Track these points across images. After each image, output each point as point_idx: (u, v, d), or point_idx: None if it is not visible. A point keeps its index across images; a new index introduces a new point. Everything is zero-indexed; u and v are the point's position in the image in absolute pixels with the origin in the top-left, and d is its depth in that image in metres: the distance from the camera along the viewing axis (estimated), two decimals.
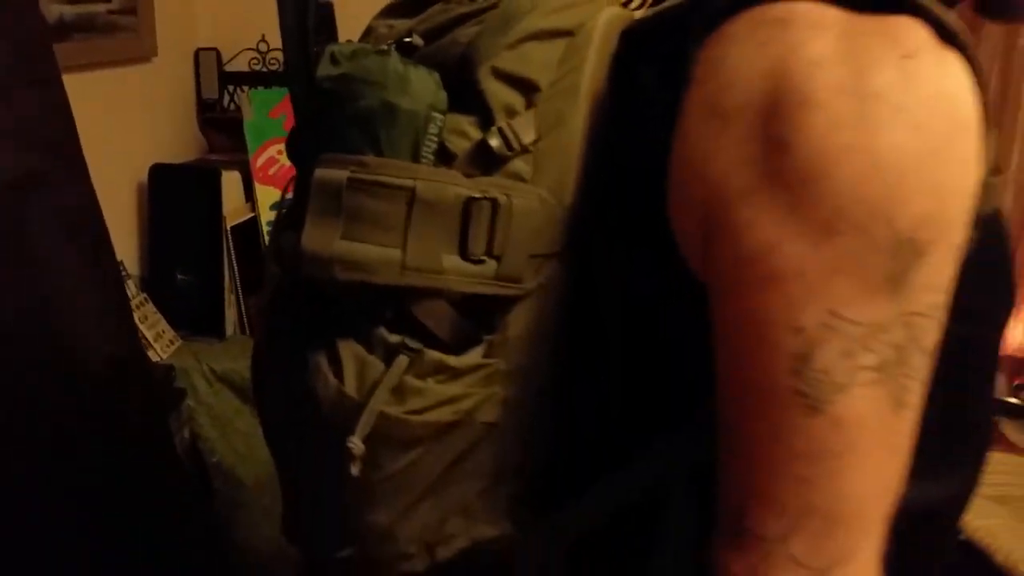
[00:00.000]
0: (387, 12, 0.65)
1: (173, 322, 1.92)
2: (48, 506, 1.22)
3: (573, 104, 0.58)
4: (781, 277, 0.46)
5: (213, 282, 1.92)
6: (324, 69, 0.57)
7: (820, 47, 0.46)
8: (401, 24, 0.63)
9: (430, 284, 0.56)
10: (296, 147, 0.63)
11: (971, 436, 0.63)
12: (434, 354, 0.58)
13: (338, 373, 0.58)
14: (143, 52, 1.98)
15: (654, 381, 0.58)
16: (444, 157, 0.58)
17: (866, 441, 0.47)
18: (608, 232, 0.58)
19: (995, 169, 0.52)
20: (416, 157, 0.56)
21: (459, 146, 0.58)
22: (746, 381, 0.48)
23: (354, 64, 0.56)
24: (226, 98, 2.23)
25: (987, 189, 0.49)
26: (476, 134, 0.58)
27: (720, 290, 0.49)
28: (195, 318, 1.93)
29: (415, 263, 0.56)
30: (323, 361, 0.59)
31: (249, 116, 1.99)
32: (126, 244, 1.99)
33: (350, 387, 0.57)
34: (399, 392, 0.57)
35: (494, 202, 0.56)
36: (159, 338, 1.88)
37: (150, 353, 1.83)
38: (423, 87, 0.56)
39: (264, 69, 2.19)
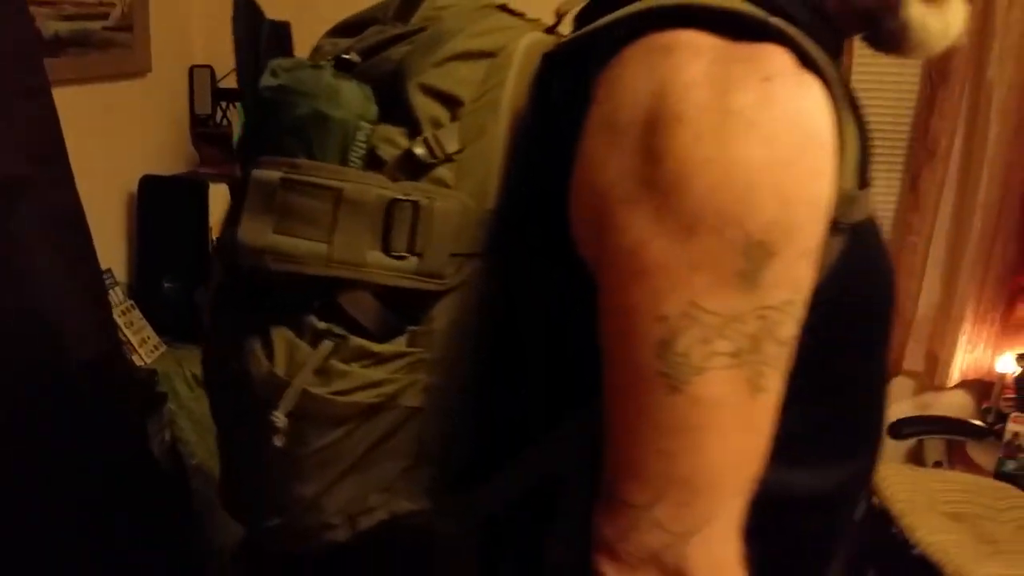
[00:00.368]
0: (333, 32, 0.72)
1: (158, 328, 1.97)
2: (24, 504, 1.27)
3: (494, 118, 0.64)
4: (649, 271, 0.52)
5: (198, 290, 1.97)
6: (265, 80, 0.63)
7: (695, 70, 0.52)
8: (344, 43, 0.69)
9: (354, 276, 0.62)
10: (242, 152, 0.69)
11: (860, 429, 0.68)
12: (358, 340, 0.63)
13: (270, 356, 0.64)
14: (138, 68, 2.06)
15: (561, 370, 0.63)
16: (375, 163, 0.64)
17: (722, 419, 0.52)
18: (527, 235, 0.64)
19: (863, 182, 0.58)
20: (345, 161, 0.62)
21: (389, 153, 0.64)
22: (619, 363, 0.54)
23: (291, 76, 0.62)
24: (219, 114, 2.30)
25: (851, 200, 0.55)
26: (405, 143, 0.64)
27: (602, 284, 0.55)
28: (180, 325, 1.99)
29: (340, 256, 0.61)
30: (257, 345, 0.64)
31: (240, 131, 2.06)
32: (115, 252, 2.05)
33: (280, 368, 0.63)
34: (325, 374, 0.63)
35: (416, 204, 0.62)
36: (144, 343, 1.93)
37: (135, 358, 1.89)
38: (352, 98, 0.62)
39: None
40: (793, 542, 0.65)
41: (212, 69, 2.27)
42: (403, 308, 0.65)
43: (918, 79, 2.13)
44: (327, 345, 0.63)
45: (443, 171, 0.64)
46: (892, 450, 2.07)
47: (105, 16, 1.92)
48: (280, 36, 0.70)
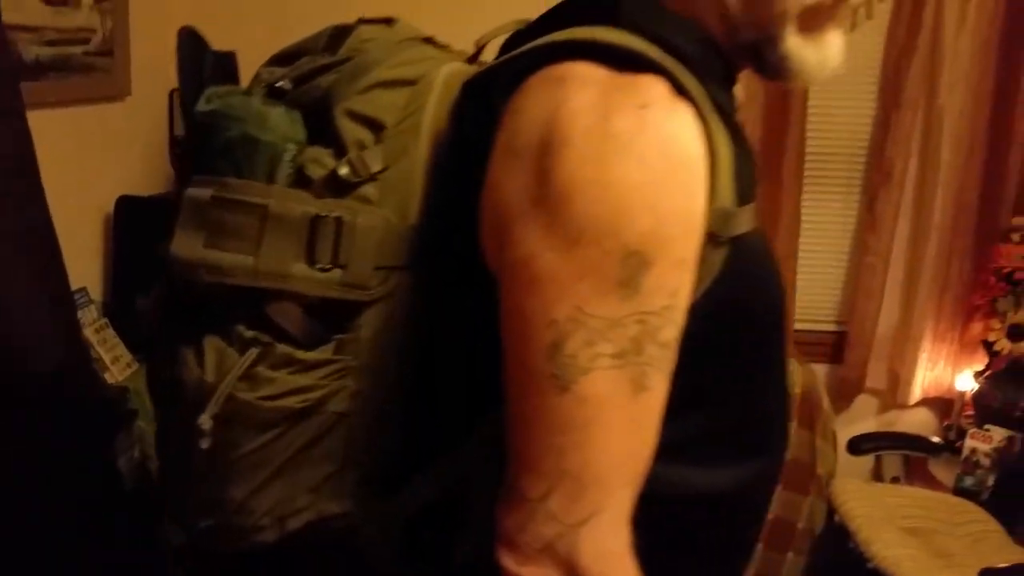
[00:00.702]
0: (271, 61, 0.77)
1: (132, 346, 2.00)
2: None
3: (415, 140, 0.69)
4: (540, 280, 0.57)
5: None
6: (200, 106, 0.68)
7: (583, 99, 0.58)
8: (279, 71, 0.74)
9: (280, 287, 0.67)
10: (182, 172, 0.74)
11: (756, 431, 0.72)
12: (284, 348, 0.67)
13: (200, 363, 0.68)
14: (117, 91, 2.11)
15: (475, 377, 0.68)
16: (304, 182, 0.69)
17: (608, 416, 0.57)
18: (445, 248, 0.68)
19: (744, 199, 0.63)
20: (272, 180, 0.67)
21: (317, 173, 0.69)
22: (515, 366, 0.59)
23: (223, 102, 0.67)
24: None
25: (727, 216, 0.60)
26: (331, 163, 0.69)
27: (502, 293, 0.60)
28: None
29: (266, 268, 0.66)
30: (190, 353, 0.69)
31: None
32: (91, 271, 2.09)
33: (209, 374, 0.67)
34: (253, 380, 0.67)
35: (339, 220, 0.67)
36: (116, 361, 1.96)
37: (107, 375, 1.92)
38: (280, 123, 0.67)
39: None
40: (692, 537, 0.69)
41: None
42: (330, 318, 0.69)
43: (873, 105, 2.20)
44: (253, 352, 0.67)
45: (368, 189, 0.68)
46: (851, 466, 2.11)
47: (86, 41, 1.97)
48: (225, 65, 0.76)
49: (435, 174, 0.70)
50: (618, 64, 0.59)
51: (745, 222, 0.63)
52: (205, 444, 0.66)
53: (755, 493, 0.74)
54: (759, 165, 2.21)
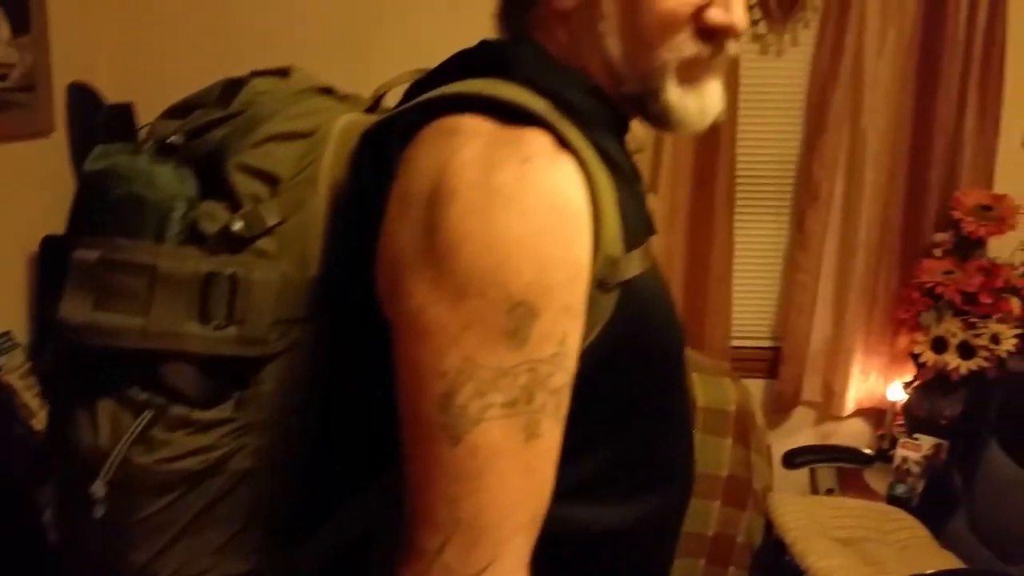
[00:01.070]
0: (165, 114, 0.76)
1: None
2: None
3: (313, 192, 0.69)
4: (430, 331, 0.57)
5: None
6: (87, 165, 0.67)
7: (470, 151, 0.59)
8: (173, 124, 0.74)
9: (172, 347, 0.66)
10: (70, 232, 0.72)
11: (657, 467, 0.73)
12: (180, 409, 0.66)
13: (94, 427, 0.67)
14: (41, 127, 2.05)
15: (377, 428, 0.68)
16: (198, 238, 0.68)
17: (501, 465, 0.57)
18: (346, 299, 0.68)
19: (634, 243, 0.64)
20: (161, 239, 0.66)
21: (211, 228, 0.68)
22: (409, 418, 0.59)
23: (109, 162, 0.67)
24: None
25: (614, 263, 0.61)
26: (226, 218, 0.68)
27: (396, 344, 0.60)
28: None
29: (157, 329, 0.65)
30: (84, 416, 0.67)
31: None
32: (16, 313, 2.03)
33: (103, 439, 0.66)
34: (149, 443, 0.66)
35: (233, 276, 0.66)
36: (44, 407, 1.91)
37: (34, 421, 1.86)
38: (167, 180, 0.67)
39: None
40: (599, 575, 0.70)
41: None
42: (229, 374, 0.68)
43: (800, 129, 2.26)
44: (147, 415, 0.66)
45: (265, 243, 0.68)
46: (786, 480, 2.15)
47: (4, 76, 1.93)
48: (122, 117, 0.75)
49: (335, 225, 0.70)
50: (505, 117, 0.61)
51: (634, 266, 0.65)
52: (100, 512, 0.64)
53: (660, 528, 0.75)
54: (694, 188, 2.23)
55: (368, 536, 0.67)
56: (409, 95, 0.72)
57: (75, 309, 0.65)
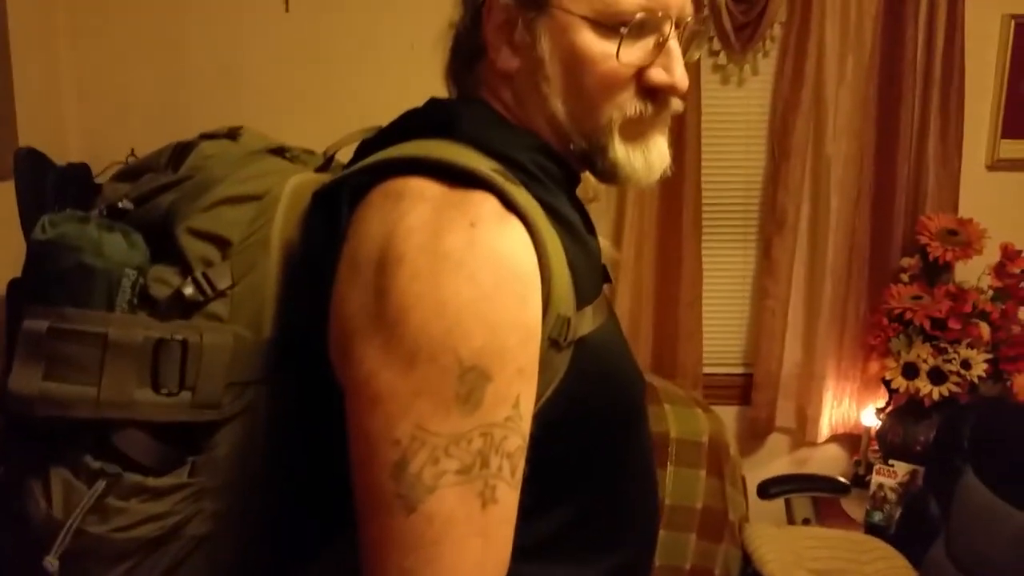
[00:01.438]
0: (116, 177, 0.76)
1: None
2: None
3: (264, 253, 0.69)
4: (381, 399, 0.57)
5: None
6: (35, 235, 0.67)
7: (416, 215, 0.59)
8: (122, 188, 0.73)
9: (124, 416, 0.65)
10: (16, 300, 0.72)
11: (620, 521, 0.73)
12: (133, 477, 0.66)
13: (47, 497, 0.65)
14: (3, 171, 2.03)
15: (331, 491, 0.67)
16: (149, 302, 0.68)
17: (457, 532, 0.56)
18: (299, 361, 0.68)
19: (587, 299, 0.64)
20: (111, 307, 0.66)
21: (162, 293, 0.68)
22: (362, 486, 0.59)
23: (57, 231, 0.66)
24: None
25: (565, 322, 0.62)
26: (177, 282, 0.68)
27: (347, 411, 0.60)
28: None
29: (108, 398, 0.64)
30: (37, 486, 0.66)
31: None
32: None
33: (57, 509, 0.65)
34: (103, 512, 0.65)
35: (184, 342, 0.66)
36: None
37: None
38: (115, 249, 0.66)
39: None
40: None
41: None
42: (183, 439, 0.67)
43: (763, 156, 2.29)
44: (100, 484, 0.65)
45: (217, 306, 0.68)
46: (762, 510, 2.15)
47: None
48: (77, 178, 0.74)
49: (287, 286, 0.69)
50: (451, 180, 0.61)
51: (587, 323, 0.65)
52: None
53: None
54: (661, 215, 2.24)
55: None
56: (359, 153, 0.72)
57: (25, 380, 0.64)
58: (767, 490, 2.11)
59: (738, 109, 2.28)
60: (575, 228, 0.67)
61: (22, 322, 0.66)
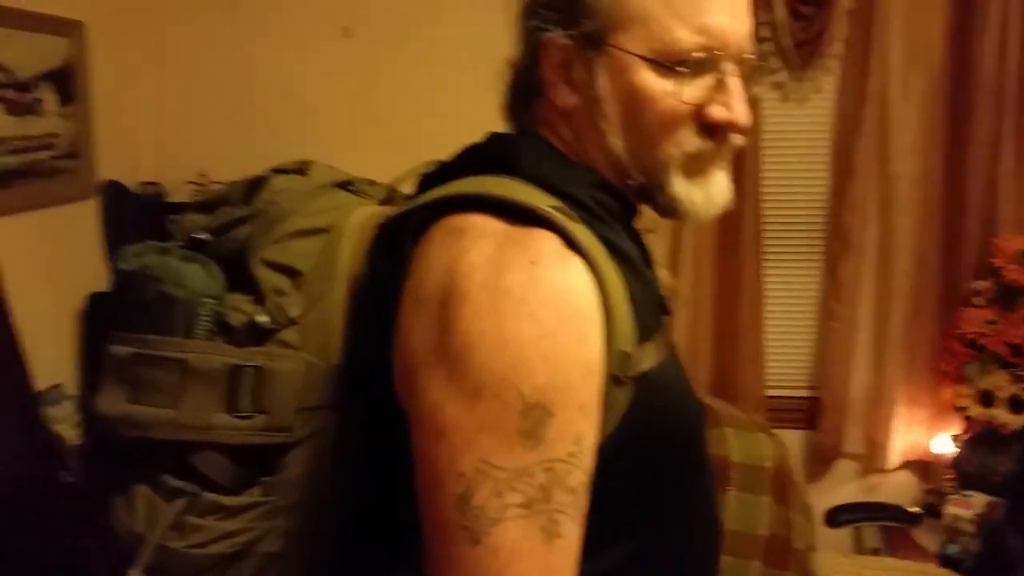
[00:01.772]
0: (192, 208, 0.80)
1: None
2: None
3: (331, 285, 0.71)
4: (446, 431, 0.58)
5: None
6: (119, 264, 0.71)
7: (478, 252, 0.60)
8: (201, 219, 0.77)
9: (202, 438, 0.68)
10: (98, 313, 0.76)
11: (684, 556, 0.73)
12: (210, 496, 0.69)
13: (131, 512, 0.69)
14: (84, 191, 2.14)
15: (403, 516, 0.68)
16: (226, 330, 0.71)
17: (521, 565, 0.57)
18: (367, 389, 0.70)
19: (648, 334, 0.65)
20: (190, 334, 0.69)
21: (238, 320, 0.71)
22: (428, 515, 0.60)
23: (139, 261, 0.70)
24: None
25: (627, 357, 0.62)
26: (251, 311, 0.71)
27: (413, 441, 0.61)
28: None
29: (188, 421, 0.68)
30: (121, 502, 0.70)
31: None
32: (65, 366, 2.09)
33: (139, 524, 0.69)
34: (182, 528, 0.69)
35: (259, 368, 0.68)
36: None
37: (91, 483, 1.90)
38: (195, 279, 0.70)
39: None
40: None
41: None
42: (256, 461, 0.70)
43: (826, 175, 2.25)
44: (180, 502, 0.69)
45: (289, 333, 0.70)
46: (830, 538, 2.09)
47: (50, 146, 2.02)
48: (152, 203, 0.77)
49: (354, 315, 0.71)
50: (512, 217, 0.62)
51: (649, 358, 0.65)
52: None
53: None
54: (719, 235, 2.20)
55: None
56: (422, 187, 0.74)
57: (110, 402, 0.68)
58: (836, 518, 2.05)
59: (799, 127, 2.25)
60: (634, 262, 0.68)
61: (107, 346, 0.69)
